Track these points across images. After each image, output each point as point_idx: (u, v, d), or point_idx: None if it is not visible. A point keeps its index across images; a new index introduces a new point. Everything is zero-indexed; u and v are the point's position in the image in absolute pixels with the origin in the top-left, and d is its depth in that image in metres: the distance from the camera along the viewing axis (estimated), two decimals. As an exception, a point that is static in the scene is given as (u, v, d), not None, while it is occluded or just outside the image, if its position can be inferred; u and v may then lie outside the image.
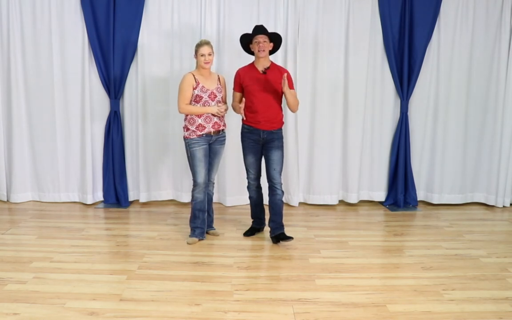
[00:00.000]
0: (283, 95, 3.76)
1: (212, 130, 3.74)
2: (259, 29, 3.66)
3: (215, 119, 3.75)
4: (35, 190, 4.98)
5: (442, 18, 4.79)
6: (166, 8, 4.67)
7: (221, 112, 3.73)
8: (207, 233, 3.97)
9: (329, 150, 4.91)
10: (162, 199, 5.00)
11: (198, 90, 3.68)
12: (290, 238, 3.73)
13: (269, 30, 4.42)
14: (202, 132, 3.71)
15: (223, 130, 3.86)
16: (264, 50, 3.65)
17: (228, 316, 2.64)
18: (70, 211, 4.68)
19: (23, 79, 4.75)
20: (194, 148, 3.72)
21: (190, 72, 3.77)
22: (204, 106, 3.69)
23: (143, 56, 4.68)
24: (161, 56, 4.73)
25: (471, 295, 2.93)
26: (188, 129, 3.74)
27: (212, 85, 3.74)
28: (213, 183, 3.99)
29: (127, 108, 4.81)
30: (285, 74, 3.58)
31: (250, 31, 3.73)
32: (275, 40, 3.76)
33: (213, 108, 3.70)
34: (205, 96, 3.69)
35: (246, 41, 3.78)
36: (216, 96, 3.74)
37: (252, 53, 3.79)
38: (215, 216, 4.16)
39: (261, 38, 3.65)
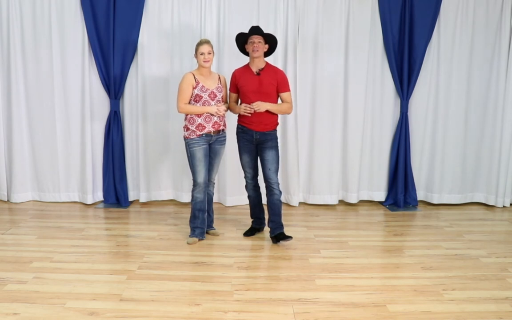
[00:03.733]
0: (278, 98, 3.80)
1: (212, 129, 3.73)
2: (255, 30, 3.66)
3: (215, 118, 3.74)
4: (35, 190, 4.98)
5: (442, 18, 4.79)
6: (166, 8, 4.67)
7: (220, 112, 3.72)
8: (207, 233, 3.97)
9: (329, 150, 4.91)
10: (162, 199, 5.01)
11: (197, 90, 3.68)
12: (289, 237, 3.73)
13: (269, 31, 4.43)
14: (202, 132, 3.71)
15: (223, 130, 3.86)
16: (258, 51, 3.65)
17: (228, 316, 2.64)
18: (70, 211, 4.68)
19: (23, 79, 4.75)
20: (194, 148, 3.72)
21: (190, 72, 3.77)
22: (204, 105, 3.69)
23: (143, 56, 4.68)
24: (161, 56, 4.73)
25: (471, 295, 2.93)
26: (188, 129, 3.74)
27: (212, 85, 3.74)
28: (213, 183, 3.99)
29: (127, 108, 4.81)
30: (251, 107, 3.63)
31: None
32: (271, 41, 3.76)
33: (212, 108, 3.69)
34: (204, 96, 3.69)
35: (242, 41, 3.78)
36: (216, 95, 3.74)
37: (247, 53, 3.80)
38: (215, 216, 4.16)
39: (256, 38, 3.65)
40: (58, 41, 4.66)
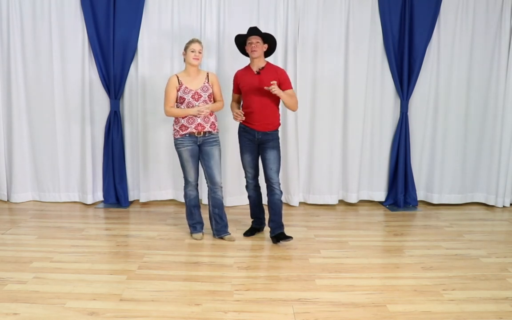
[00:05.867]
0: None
1: (195, 131, 3.71)
2: (252, 30, 3.67)
3: (199, 120, 3.69)
4: (35, 190, 4.98)
5: (442, 18, 4.79)
6: (166, 8, 4.67)
7: (202, 112, 3.62)
8: (222, 238, 3.89)
9: (329, 150, 4.91)
10: (162, 199, 5.01)
11: (181, 92, 3.68)
12: (289, 237, 3.73)
13: (269, 31, 4.44)
14: (185, 132, 3.71)
15: (210, 132, 3.76)
16: (256, 51, 3.66)
17: (228, 316, 2.64)
18: (70, 211, 4.68)
19: (23, 79, 4.75)
20: (180, 149, 3.74)
21: (174, 74, 3.78)
22: (188, 107, 3.68)
23: (143, 56, 4.68)
24: (161, 56, 4.72)
25: (471, 295, 2.93)
26: (174, 129, 3.78)
27: (197, 85, 3.72)
28: (221, 187, 3.81)
29: (127, 108, 4.81)
30: (273, 82, 3.51)
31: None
32: (269, 41, 3.76)
33: (193, 110, 3.64)
34: (187, 97, 3.67)
35: (241, 42, 3.80)
36: (201, 96, 3.69)
37: (248, 54, 3.80)
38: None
39: (254, 39, 3.66)
40: (58, 41, 4.66)
